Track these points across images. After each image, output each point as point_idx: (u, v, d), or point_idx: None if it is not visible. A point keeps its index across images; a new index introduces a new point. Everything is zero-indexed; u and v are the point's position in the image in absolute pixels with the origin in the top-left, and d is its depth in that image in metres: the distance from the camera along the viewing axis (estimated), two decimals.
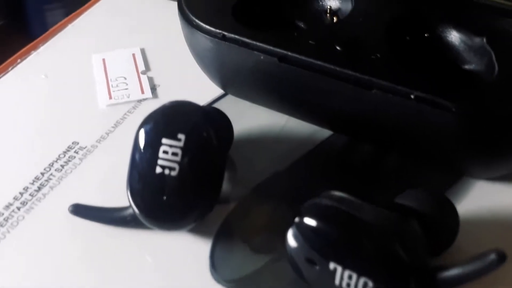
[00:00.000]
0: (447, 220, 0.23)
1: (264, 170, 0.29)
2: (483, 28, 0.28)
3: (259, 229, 0.27)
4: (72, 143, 0.30)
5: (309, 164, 0.30)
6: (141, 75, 0.34)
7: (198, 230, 0.26)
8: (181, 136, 0.24)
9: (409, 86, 0.25)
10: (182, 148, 0.24)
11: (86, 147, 0.30)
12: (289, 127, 0.31)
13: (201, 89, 0.33)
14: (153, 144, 0.24)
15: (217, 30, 0.28)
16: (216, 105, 0.33)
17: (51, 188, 0.28)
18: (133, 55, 0.36)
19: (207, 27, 0.29)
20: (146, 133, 0.25)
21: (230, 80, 0.31)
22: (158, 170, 0.24)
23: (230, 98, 0.33)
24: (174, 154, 0.24)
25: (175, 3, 0.32)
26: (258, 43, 0.28)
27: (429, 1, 0.30)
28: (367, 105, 0.26)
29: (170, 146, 0.24)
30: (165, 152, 0.24)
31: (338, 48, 0.27)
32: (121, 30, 0.38)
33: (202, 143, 0.24)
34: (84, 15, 0.40)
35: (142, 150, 0.24)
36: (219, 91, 0.33)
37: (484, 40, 0.27)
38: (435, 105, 0.24)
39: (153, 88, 0.34)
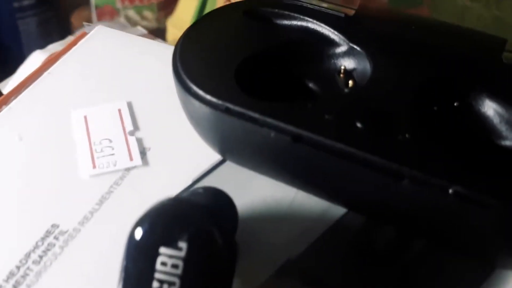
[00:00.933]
0: None
1: (274, 257, 0.25)
2: None
3: None
4: (52, 226, 0.26)
5: (325, 249, 0.26)
6: (128, 137, 0.30)
7: None
8: (183, 244, 0.20)
9: (447, 178, 0.21)
10: (183, 259, 0.20)
11: (67, 231, 0.26)
12: (298, 201, 0.28)
13: (197, 152, 0.29)
14: (149, 253, 0.20)
15: (219, 102, 0.25)
16: (213, 174, 0.29)
17: (28, 287, 0.24)
18: (119, 111, 0.32)
19: (208, 97, 0.25)
20: (141, 239, 0.21)
21: (233, 151, 0.27)
22: (156, 285, 0.20)
23: (229, 165, 0.29)
24: (174, 266, 0.20)
25: (169, 48, 0.28)
26: (268, 119, 0.24)
27: (461, 63, 0.26)
28: (393, 195, 0.23)
29: (170, 256, 0.20)
30: (164, 263, 0.20)
31: (359, 125, 0.24)
32: (105, 79, 0.34)
33: (207, 252, 0.21)
34: (62, 60, 0.35)
35: (136, 260, 0.21)
36: (216, 156, 0.29)
37: None
38: (476, 202, 0.21)
39: (143, 152, 0.30)
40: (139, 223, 0.21)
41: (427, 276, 0.25)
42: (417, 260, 0.25)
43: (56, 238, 0.26)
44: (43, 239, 0.26)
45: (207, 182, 0.28)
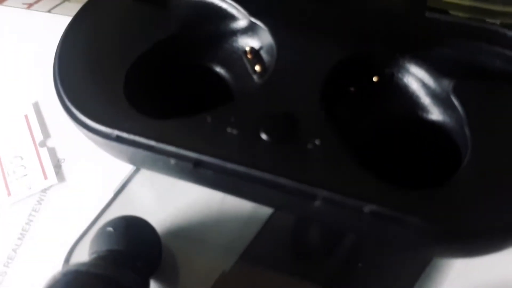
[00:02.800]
0: None
1: (208, 272, 0.24)
2: (448, 64, 0.22)
3: None
4: None
5: (258, 256, 0.25)
6: (39, 149, 0.28)
7: None
8: None
9: (360, 198, 0.19)
10: None
11: None
12: (227, 204, 0.26)
13: (113, 160, 0.27)
14: None
15: (109, 130, 0.22)
16: (132, 182, 0.27)
17: None
18: (26, 117, 0.29)
19: (96, 126, 0.22)
20: None
21: (143, 167, 0.25)
22: None
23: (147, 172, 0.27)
24: None
25: None
26: (164, 146, 0.21)
27: (377, 28, 0.23)
28: (309, 212, 0.21)
29: None
30: None
31: (263, 136, 0.21)
32: (6, 76, 0.31)
33: None
34: None
35: None
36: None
37: (451, 87, 0.21)
38: (394, 220, 0.19)
39: (57, 166, 0.28)
40: None
41: (366, 269, 0.23)
42: (354, 253, 0.24)
43: None
44: None
45: (127, 193, 0.26)
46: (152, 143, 0.21)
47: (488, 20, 0.23)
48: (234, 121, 0.21)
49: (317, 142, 0.20)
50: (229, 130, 0.21)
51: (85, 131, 0.22)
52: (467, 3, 0.23)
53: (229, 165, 0.20)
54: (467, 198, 0.19)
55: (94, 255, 0.22)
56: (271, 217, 0.25)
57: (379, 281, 0.23)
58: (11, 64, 0.31)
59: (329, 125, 0.21)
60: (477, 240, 0.18)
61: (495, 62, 0.21)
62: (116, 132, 0.22)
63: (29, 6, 0.37)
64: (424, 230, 0.18)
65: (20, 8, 0.33)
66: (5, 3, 0.37)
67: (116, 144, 0.22)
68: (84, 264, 0.21)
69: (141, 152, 0.21)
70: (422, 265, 0.23)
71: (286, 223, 0.25)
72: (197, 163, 0.21)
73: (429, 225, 0.18)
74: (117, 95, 0.22)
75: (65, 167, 0.27)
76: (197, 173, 0.21)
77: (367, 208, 0.19)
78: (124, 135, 0.22)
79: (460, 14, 0.23)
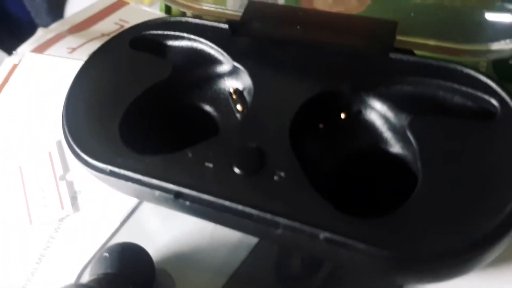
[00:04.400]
0: None
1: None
2: (407, 100, 0.23)
3: None
4: None
5: (246, 278, 0.27)
6: (59, 182, 0.31)
7: None
8: None
9: (316, 224, 0.21)
10: None
11: None
12: (217, 233, 0.28)
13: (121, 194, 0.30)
14: None
15: (103, 165, 0.25)
16: (137, 213, 0.29)
17: None
18: (49, 153, 0.33)
19: (93, 162, 0.25)
20: None
21: (140, 199, 0.28)
22: None
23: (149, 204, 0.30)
24: None
25: None
26: (148, 180, 0.24)
27: (345, 69, 0.25)
28: (275, 239, 0.23)
29: None
30: None
31: (236, 170, 0.23)
32: (35, 116, 0.35)
33: None
34: None
35: None
36: None
37: (407, 122, 0.23)
38: (344, 246, 0.20)
39: (74, 198, 0.31)
40: None
41: None
42: (331, 279, 0.25)
43: None
44: None
45: (132, 222, 0.29)
46: (139, 177, 0.24)
47: (452, 58, 0.24)
48: (212, 156, 0.24)
49: (282, 174, 0.22)
50: (206, 164, 0.24)
51: (84, 167, 0.25)
52: (432, 43, 0.24)
53: (204, 196, 0.23)
54: (412, 225, 0.20)
55: (92, 277, 0.25)
56: (257, 244, 0.27)
57: None
58: (43, 106, 0.35)
59: (294, 159, 0.23)
60: (419, 263, 0.20)
61: (452, 98, 0.23)
62: (109, 168, 0.24)
63: (72, 50, 0.41)
64: (371, 255, 0.20)
65: (61, 57, 0.37)
66: (47, 51, 0.42)
67: (111, 178, 0.25)
68: (82, 285, 0.24)
69: (131, 185, 0.24)
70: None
71: (270, 249, 0.27)
72: (177, 195, 0.23)
73: (374, 250, 0.20)
74: (113, 135, 0.25)
75: (80, 198, 0.31)
76: (178, 203, 0.24)
77: (322, 235, 0.21)
78: (116, 170, 0.24)
79: (426, 54, 0.24)
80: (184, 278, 0.27)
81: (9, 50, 0.40)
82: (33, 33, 0.46)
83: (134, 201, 0.30)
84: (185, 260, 0.28)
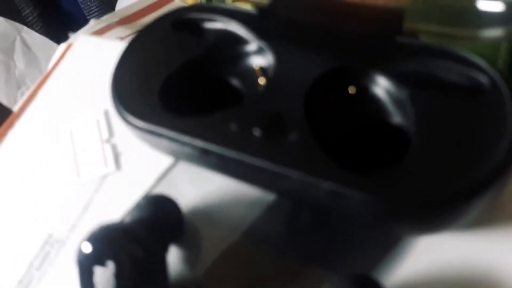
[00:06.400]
0: None
1: (217, 242, 0.30)
2: (409, 77, 0.26)
3: None
4: (48, 235, 0.33)
5: (259, 234, 0.30)
6: (104, 145, 0.36)
7: None
8: (110, 263, 0.26)
9: (321, 176, 0.24)
10: (114, 275, 0.26)
11: (60, 239, 0.33)
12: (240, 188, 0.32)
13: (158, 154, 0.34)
14: (86, 271, 0.26)
15: (144, 124, 0.29)
16: (172, 171, 0.33)
17: None
18: (98, 121, 0.37)
19: (135, 120, 0.29)
20: (80, 260, 0.26)
21: (173, 156, 0.32)
22: None
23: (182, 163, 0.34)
24: (108, 280, 0.26)
25: None
26: (182, 137, 0.28)
27: (356, 49, 0.28)
28: (286, 190, 0.26)
29: (102, 273, 0.26)
30: (99, 279, 0.26)
31: (255, 132, 0.27)
32: (88, 89, 0.39)
33: (132, 266, 0.26)
34: (52, 77, 0.41)
35: (80, 276, 0.26)
36: None
37: (407, 95, 0.26)
38: (344, 195, 0.24)
39: (116, 158, 0.35)
40: (80, 246, 0.27)
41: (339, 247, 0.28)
42: (331, 232, 0.29)
43: (51, 246, 0.33)
44: (42, 248, 0.33)
45: (167, 179, 0.33)
46: (173, 134, 0.28)
47: (453, 43, 0.27)
48: (236, 120, 0.27)
49: (295, 135, 0.26)
50: (231, 126, 0.27)
51: (128, 125, 0.29)
52: (437, 29, 0.28)
53: (228, 152, 0.27)
54: (407, 177, 0.23)
55: (128, 221, 0.29)
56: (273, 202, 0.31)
57: (345, 258, 0.28)
58: (93, 81, 0.39)
59: (306, 125, 0.26)
60: (411, 208, 0.23)
61: (448, 75, 0.26)
62: (148, 126, 0.29)
63: (121, 39, 0.46)
64: (368, 203, 0.23)
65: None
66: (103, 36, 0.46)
67: (149, 136, 0.29)
68: (118, 223, 0.28)
69: (166, 142, 0.28)
70: (388, 245, 0.27)
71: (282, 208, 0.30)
72: (204, 151, 0.27)
73: (370, 198, 0.23)
74: (153, 100, 0.30)
75: (122, 159, 0.35)
76: (205, 159, 0.27)
77: (324, 185, 0.24)
78: (154, 128, 0.28)
79: (430, 39, 0.28)
80: (204, 229, 0.31)
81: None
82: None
83: (168, 162, 0.34)
84: (208, 214, 0.31)
